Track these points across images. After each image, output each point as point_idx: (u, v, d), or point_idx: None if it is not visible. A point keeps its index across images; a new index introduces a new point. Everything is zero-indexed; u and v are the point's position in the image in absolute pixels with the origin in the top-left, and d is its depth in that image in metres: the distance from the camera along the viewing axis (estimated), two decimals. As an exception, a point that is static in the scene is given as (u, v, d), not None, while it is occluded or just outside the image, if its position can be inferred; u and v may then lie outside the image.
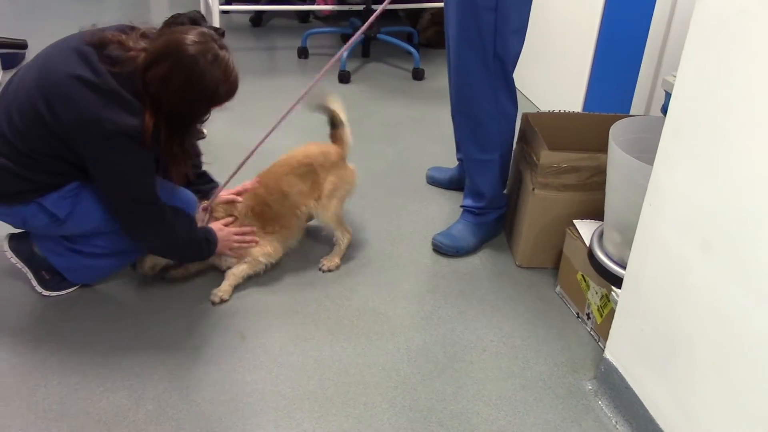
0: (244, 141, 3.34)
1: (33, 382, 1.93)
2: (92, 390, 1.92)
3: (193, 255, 2.25)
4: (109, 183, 1.98)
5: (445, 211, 2.86)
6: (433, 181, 3.07)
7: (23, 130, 1.93)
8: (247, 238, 2.34)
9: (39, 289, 2.24)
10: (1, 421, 1.81)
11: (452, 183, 3.02)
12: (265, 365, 2.04)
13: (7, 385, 1.92)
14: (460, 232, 2.63)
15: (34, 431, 1.78)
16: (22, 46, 4.14)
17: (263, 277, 2.37)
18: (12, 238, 2.23)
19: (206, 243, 2.21)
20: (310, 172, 2.43)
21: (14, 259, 2.22)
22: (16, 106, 1.94)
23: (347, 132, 2.52)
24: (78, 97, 1.86)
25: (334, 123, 2.53)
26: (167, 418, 1.85)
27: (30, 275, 2.23)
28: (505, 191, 2.67)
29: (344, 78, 4.19)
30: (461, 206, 2.68)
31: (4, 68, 3.87)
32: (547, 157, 2.34)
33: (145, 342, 2.10)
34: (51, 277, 2.24)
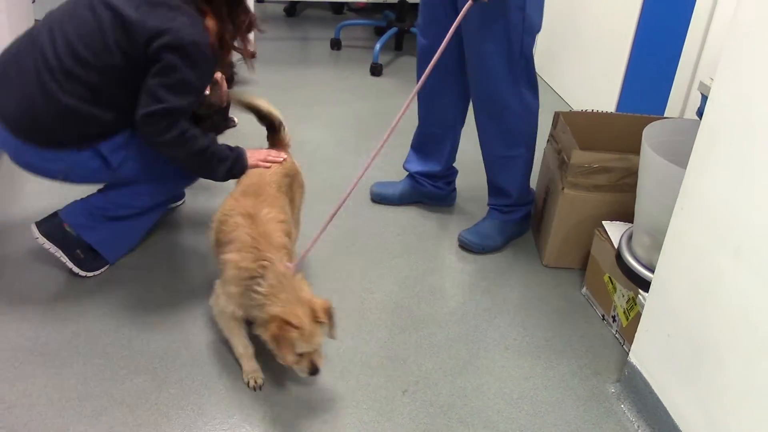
0: (274, 130, 3.36)
1: (58, 362, 1.96)
2: (116, 372, 1.94)
3: (219, 168, 2.14)
4: (166, 90, 1.96)
5: (473, 207, 2.85)
6: (380, 199, 2.86)
7: (91, 60, 1.95)
8: (281, 155, 2.21)
9: (76, 270, 2.26)
10: (26, 400, 1.83)
11: (403, 198, 2.85)
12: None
13: (33, 364, 1.94)
14: (486, 229, 2.61)
15: (57, 410, 1.81)
16: None
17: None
18: (41, 223, 2.24)
19: (235, 157, 2.15)
20: (289, 185, 2.18)
21: (47, 244, 2.23)
22: (78, 37, 1.95)
23: (288, 134, 2.33)
24: (152, 13, 1.92)
25: (274, 125, 2.30)
26: (189, 403, 1.86)
27: (64, 258, 2.25)
28: (532, 187, 2.66)
29: (376, 71, 4.18)
30: (488, 204, 2.66)
31: None
32: (578, 156, 2.32)
33: (170, 326, 2.12)
34: (85, 255, 2.26)
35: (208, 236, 2.06)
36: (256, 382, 1.92)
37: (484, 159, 2.59)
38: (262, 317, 1.77)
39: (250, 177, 2.11)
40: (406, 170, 2.83)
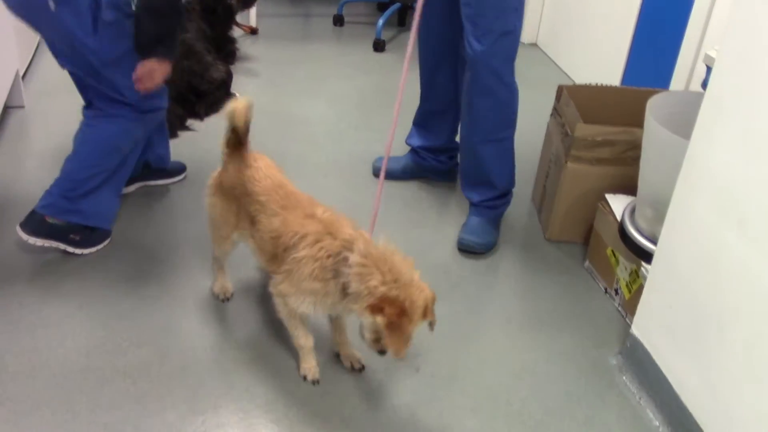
0: (275, 106, 3.35)
1: (60, 335, 1.96)
2: (118, 344, 1.95)
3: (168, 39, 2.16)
4: None
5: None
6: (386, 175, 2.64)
7: None
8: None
9: (78, 251, 2.26)
10: (29, 372, 1.84)
11: (405, 173, 2.84)
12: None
13: (35, 337, 1.95)
14: (481, 226, 2.49)
15: (59, 382, 1.82)
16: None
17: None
18: (24, 224, 2.21)
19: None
20: None
21: (39, 242, 2.21)
22: None
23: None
24: None
25: (240, 134, 1.92)
26: (191, 374, 1.87)
27: (62, 246, 2.24)
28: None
29: (379, 46, 4.16)
30: (473, 203, 2.53)
31: None
32: (581, 130, 2.30)
33: (171, 299, 2.12)
34: (80, 235, 2.26)
35: (256, 258, 1.92)
36: (314, 377, 1.88)
37: (468, 148, 2.47)
38: (360, 291, 1.59)
39: (271, 194, 1.83)
40: (409, 145, 2.82)
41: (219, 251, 2.06)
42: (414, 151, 2.81)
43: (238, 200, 1.89)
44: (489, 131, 2.40)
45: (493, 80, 2.28)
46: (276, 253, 1.77)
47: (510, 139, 2.45)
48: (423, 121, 2.75)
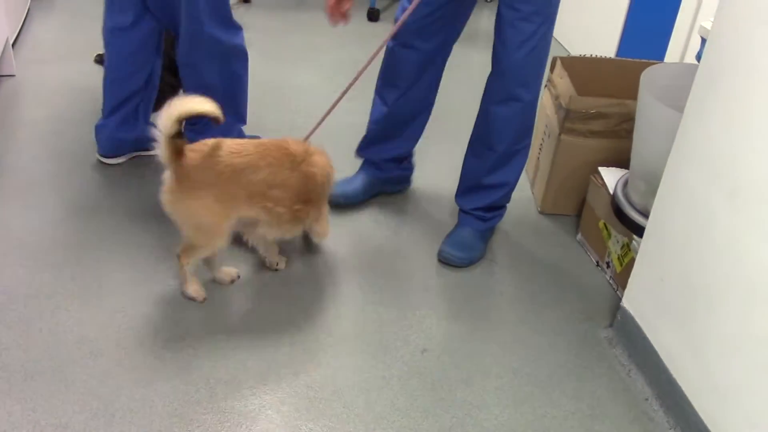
0: (268, 76, 3.32)
1: (52, 306, 1.97)
2: (111, 315, 1.95)
3: None
4: None
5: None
6: (345, 200, 2.49)
7: None
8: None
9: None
10: (22, 342, 1.85)
11: (366, 193, 2.54)
12: (284, 295, 2.06)
13: (28, 307, 1.95)
14: (467, 238, 2.31)
15: (52, 353, 1.82)
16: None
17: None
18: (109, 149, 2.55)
19: None
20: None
21: (120, 160, 2.57)
22: None
23: None
24: None
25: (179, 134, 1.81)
26: (185, 345, 1.87)
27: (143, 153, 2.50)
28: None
29: (373, 16, 4.12)
30: (464, 210, 2.36)
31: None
32: (575, 102, 2.30)
33: (165, 272, 2.12)
34: None
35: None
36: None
37: (476, 155, 2.29)
38: None
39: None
40: (365, 157, 2.53)
41: (211, 251, 1.99)
42: (372, 163, 2.53)
43: (226, 185, 1.88)
44: (510, 141, 2.20)
45: (522, 90, 2.10)
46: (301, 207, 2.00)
47: (525, 151, 2.25)
48: (390, 130, 2.43)
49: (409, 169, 2.60)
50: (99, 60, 3.26)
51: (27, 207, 2.33)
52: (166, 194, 1.88)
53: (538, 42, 2.03)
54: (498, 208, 2.35)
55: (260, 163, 1.91)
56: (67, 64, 3.27)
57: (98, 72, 3.18)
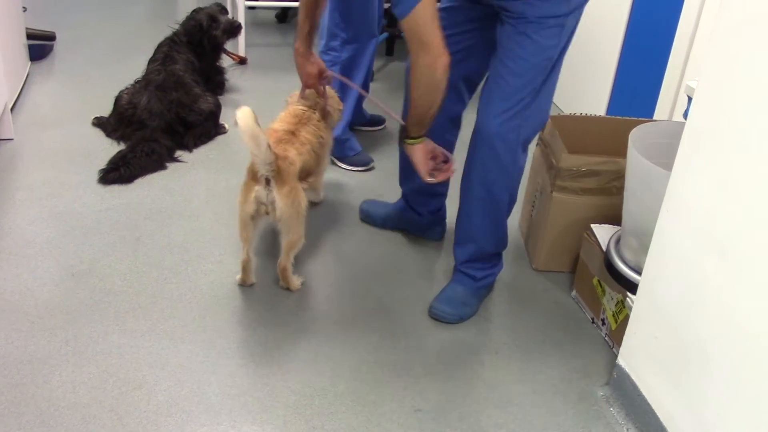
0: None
1: (47, 370, 1.96)
2: (105, 380, 1.94)
3: None
4: None
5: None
6: (366, 218, 2.73)
7: None
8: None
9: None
10: (15, 407, 1.83)
11: (386, 222, 2.70)
12: (277, 360, 2.05)
13: (21, 373, 1.94)
14: (460, 295, 2.30)
15: (45, 419, 1.81)
16: (51, 37, 4.19)
17: (276, 272, 2.36)
18: None
19: None
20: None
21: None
22: None
23: None
24: None
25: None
26: (178, 410, 1.86)
27: None
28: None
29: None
30: (458, 267, 2.34)
31: (33, 59, 3.92)
32: (566, 160, 2.32)
33: (159, 334, 2.12)
34: None
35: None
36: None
37: (462, 202, 2.26)
38: None
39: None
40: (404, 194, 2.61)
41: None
42: (403, 197, 2.62)
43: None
44: (484, 189, 2.17)
45: (508, 156, 2.09)
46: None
47: (504, 203, 2.21)
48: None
49: (441, 217, 2.62)
50: (97, 123, 3.31)
51: (22, 270, 2.33)
52: (279, 200, 2.14)
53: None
54: (490, 266, 2.34)
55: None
56: (66, 127, 3.31)
57: (97, 135, 3.24)
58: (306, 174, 2.37)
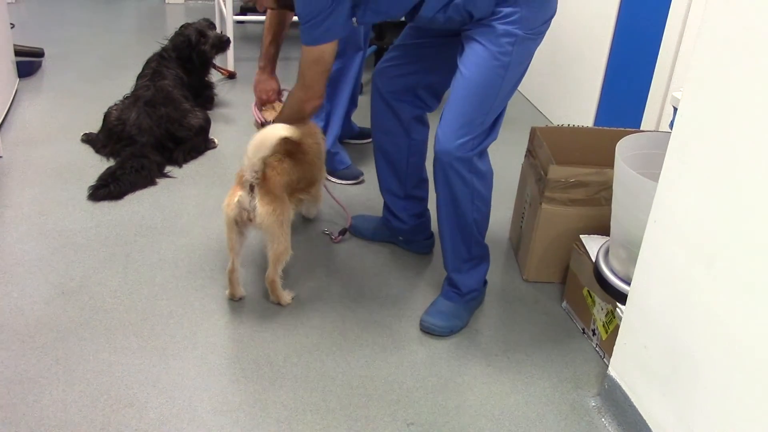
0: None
1: (38, 389, 1.95)
2: (96, 398, 1.93)
3: None
4: None
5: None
6: (356, 232, 2.75)
7: None
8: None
9: None
10: (7, 428, 1.82)
11: (375, 235, 2.73)
12: (268, 375, 2.04)
13: (11, 393, 1.93)
14: (449, 308, 2.30)
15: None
16: (40, 54, 4.20)
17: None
18: None
19: None
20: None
21: None
22: None
23: None
24: None
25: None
26: (170, 428, 1.85)
27: None
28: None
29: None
30: (447, 283, 2.34)
31: (21, 76, 3.92)
32: (555, 171, 2.34)
33: (150, 351, 2.11)
34: None
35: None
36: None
37: (448, 228, 2.24)
38: None
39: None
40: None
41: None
42: (385, 207, 2.64)
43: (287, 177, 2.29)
44: (453, 217, 2.20)
45: (467, 175, 2.11)
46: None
47: (474, 228, 2.22)
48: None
49: (424, 224, 2.62)
50: (86, 139, 3.31)
51: (11, 288, 2.32)
52: (260, 206, 2.14)
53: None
54: (475, 290, 2.33)
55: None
56: (55, 144, 3.31)
57: (86, 151, 3.24)
58: (307, 184, 2.43)
